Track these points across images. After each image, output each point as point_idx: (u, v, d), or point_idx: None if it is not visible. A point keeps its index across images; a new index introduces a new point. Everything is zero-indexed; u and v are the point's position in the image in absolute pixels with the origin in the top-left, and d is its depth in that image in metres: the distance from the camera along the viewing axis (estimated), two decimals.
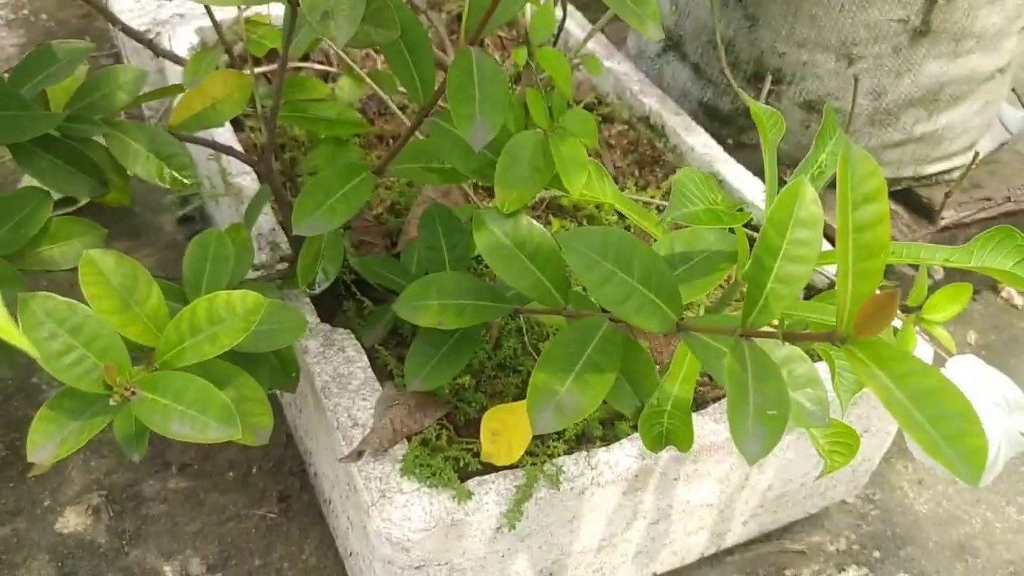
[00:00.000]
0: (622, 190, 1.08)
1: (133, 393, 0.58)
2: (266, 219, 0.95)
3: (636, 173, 1.13)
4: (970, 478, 0.38)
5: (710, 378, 0.87)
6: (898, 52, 1.14)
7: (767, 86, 1.14)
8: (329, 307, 0.89)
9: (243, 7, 0.84)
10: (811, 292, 0.97)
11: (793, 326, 0.62)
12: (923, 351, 0.87)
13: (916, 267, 1.20)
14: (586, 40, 1.04)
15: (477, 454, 0.75)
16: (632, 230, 0.97)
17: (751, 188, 1.05)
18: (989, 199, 1.27)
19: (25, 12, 1.81)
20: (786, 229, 0.51)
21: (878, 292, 0.45)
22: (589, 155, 0.70)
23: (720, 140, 1.15)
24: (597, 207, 1.04)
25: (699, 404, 0.83)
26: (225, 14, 1.17)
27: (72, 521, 0.99)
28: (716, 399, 0.84)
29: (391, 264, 0.84)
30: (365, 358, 0.82)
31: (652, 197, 1.07)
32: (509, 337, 0.86)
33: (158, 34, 1.24)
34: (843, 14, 1.12)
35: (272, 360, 0.75)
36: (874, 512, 1.08)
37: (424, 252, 0.79)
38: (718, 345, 0.56)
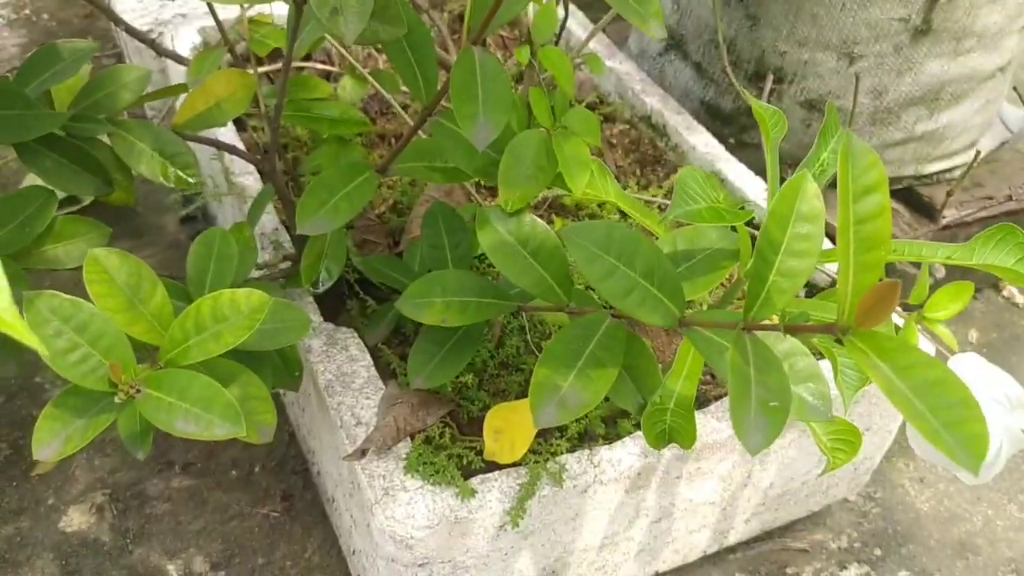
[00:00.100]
0: (624, 189, 1.08)
1: (138, 391, 0.59)
2: (269, 218, 0.95)
3: (638, 172, 1.13)
4: (970, 465, 0.38)
5: (712, 376, 0.88)
6: (899, 51, 1.15)
7: (768, 85, 1.14)
8: (332, 306, 0.89)
9: (246, 6, 0.84)
10: (812, 290, 0.97)
11: (794, 320, 0.62)
12: (925, 349, 0.87)
13: (917, 266, 1.20)
14: (588, 39, 1.04)
15: (480, 452, 0.75)
16: (635, 229, 0.97)
17: (753, 187, 1.05)
18: (990, 198, 1.27)
19: (27, 12, 1.82)
20: (788, 223, 0.51)
21: (879, 284, 0.46)
22: (592, 154, 0.70)
23: (722, 139, 1.15)
24: (599, 206, 1.05)
25: (701, 402, 0.83)
26: (228, 13, 1.18)
27: (76, 520, 0.99)
28: (718, 397, 0.84)
29: (394, 263, 0.84)
30: (368, 357, 0.82)
31: (654, 196, 1.07)
32: (512, 336, 0.86)
33: (161, 34, 1.24)
34: (844, 13, 1.12)
35: (275, 359, 0.75)
36: (876, 510, 1.08)
37: (427, 250, 0.79)
38: (720, 340, 0.56)
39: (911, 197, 1.30)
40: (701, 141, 1.12)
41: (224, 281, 0.70)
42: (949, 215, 1.23)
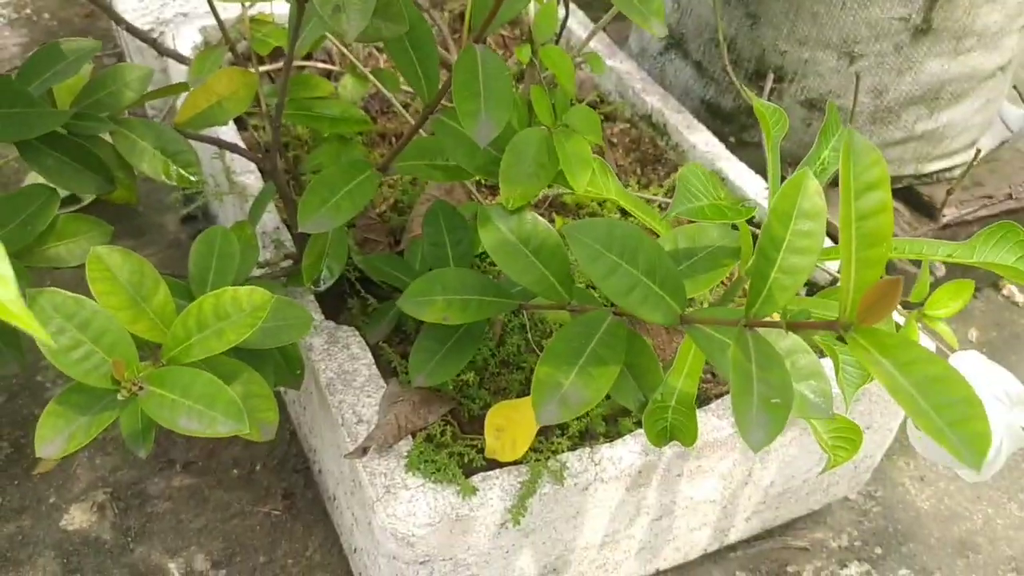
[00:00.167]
0: (624, 188, 1.08)
1: (141, 388, 0.59)
2: (270, 217, 0.95)
3: (638, 171, 1.13)
4: (973, 462, 0.39)
5: (713, 375, 0.88)
6: (899, 50, 1.15)
7: (769, 84, 1.15)
8: (333, 304, 0.89)
9: (247, 5, 0.84)
10: (812, 289, 0.98)
11: (796, 317, 0.62)
12: (925, 346, 0.87)
13: (917, 265, 1.20)
14: (588, 39, 1.04)
15: (481, 450, 0.75)
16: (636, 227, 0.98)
17: (753, 186, 1.05)
18: (990, 197, 1.28)
19: (28, 11, 1.82)
20: (790, 220, 0.52)
21: (881, 281, 0.46)
22: (593, 152, 0.70)
23: (722, 138, 1.15)
24: (600, 204, 1.05)
25: (702, 400, 0.83)
26: (229, 12, 1.18)
27: (77, 518, 0.99)
28: (719, 395, 0.84)
29: (395, 261, 0.84)
30: (369, 355, 0.82)
31: (655, 195, 1.07)
32: (513, 334, 0.87)
33: (162, 33, 1.24)
34: (844, 12, 1.13)
35: (277, 357, 0.75)
36: (876, 509, 1.08)
37: (428, 249, 0.79)
38: (722, 337, 0.56)
39: (911, 196, 1.30)
40: (701, 140, 1.12)
41: (226, 279, 0.70)
42: (949, 214, 1.23)
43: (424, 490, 0.72)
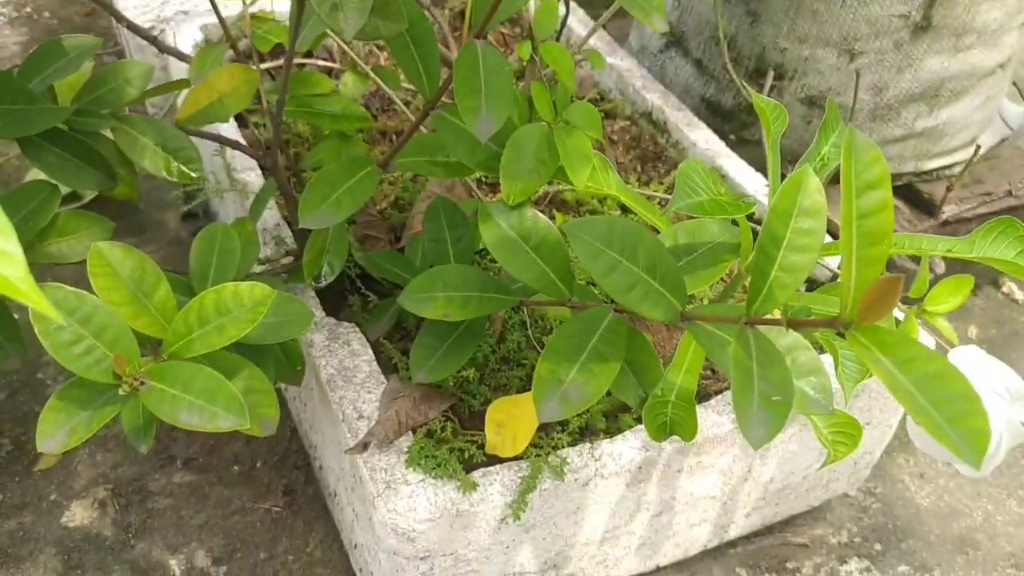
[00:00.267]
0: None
1: (142, 383, 0.59)
2: (271, 214, 0.95)
3: (639, 169, 1.13)
4: (973, 459, 0.39)
5: (712, 371, 0.88)
6: (899, 47, 1.15)
7: (769, 82, 1.15)
8: (334, 301, 0.90)
9: (248, 2, 0.84)
10: (813, 285, 0.98)
11: (797, 314, 0.62)
12: (925, 342, 0.87)
13: (917, 262, 1.20)
14: (588, 36, 1.04)
15: (482, 446, 0.75)
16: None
17: (753, 183, 1.06)
18: (990, 194, 1.28)
19: (28, 10, 1.82)
20: (790, 218, 0.52)
21: (882, 279, 0.46)
22: (593, 149, 0.71)
23: (722, 136, 1.16)
24: (600, 202, 1.05)
25: (702, 397, 0.84)
26: (230, 10, 1.18)
27: (78, 515, 0.99)
28: (719, 392, 0.85)
29: (396, 258, 0.84)
30: (370, 351, 0.82)
31: (655, 192, 1.07)
32: (513, 331, 0.87)
33: (163, 31, 1.25)
34: (844, 9, 1.13)
35: (278, 353, 0.75)
36: (876, 505, 1.08)
37: (429, 245, 0.79)
38: (722, 334, 0.56)
39: (911, 193, 1.30)
40: (702, 137, 1.12)
41: (227, 275, 0.71)
42: (949, 211, 1.23)
43: (425, 485, 0.72)
